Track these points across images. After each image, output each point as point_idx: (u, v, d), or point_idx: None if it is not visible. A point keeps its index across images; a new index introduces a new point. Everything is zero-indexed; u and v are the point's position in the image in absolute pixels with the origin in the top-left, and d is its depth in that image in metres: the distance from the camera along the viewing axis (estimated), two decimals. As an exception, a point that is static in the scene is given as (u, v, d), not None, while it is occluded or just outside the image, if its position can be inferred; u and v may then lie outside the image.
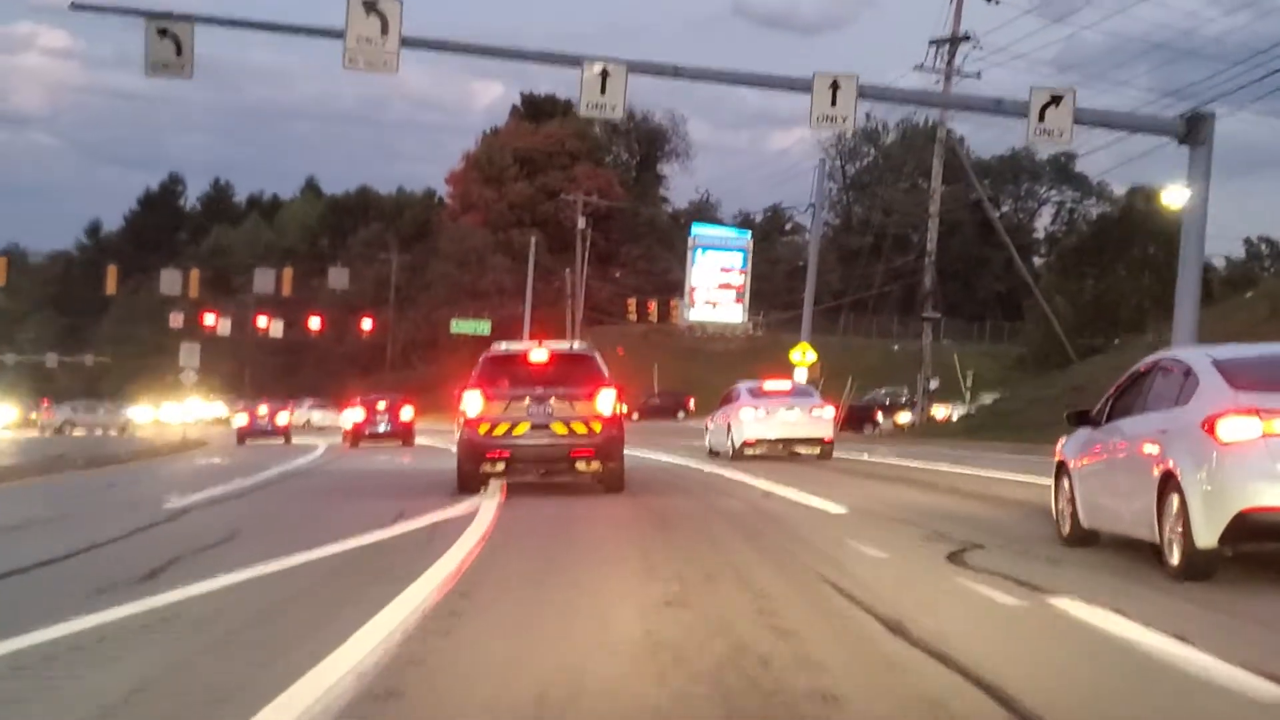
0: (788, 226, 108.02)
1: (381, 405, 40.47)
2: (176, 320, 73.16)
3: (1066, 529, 11.79)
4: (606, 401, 17.72)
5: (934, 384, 46.91)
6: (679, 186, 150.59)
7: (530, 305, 76.55)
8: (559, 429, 17.48)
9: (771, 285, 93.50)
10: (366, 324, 78.89)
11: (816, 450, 28.57)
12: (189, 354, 45.49)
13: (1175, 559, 9.47)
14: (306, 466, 29.54)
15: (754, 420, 28.29)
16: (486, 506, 16.05)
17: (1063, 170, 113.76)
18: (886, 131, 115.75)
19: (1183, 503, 9.28)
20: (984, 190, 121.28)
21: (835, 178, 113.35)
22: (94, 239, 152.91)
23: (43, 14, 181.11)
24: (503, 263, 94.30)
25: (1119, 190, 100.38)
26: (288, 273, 47.67)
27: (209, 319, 72.28)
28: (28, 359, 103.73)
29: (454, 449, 19.28)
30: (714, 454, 29.88)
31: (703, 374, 75.07)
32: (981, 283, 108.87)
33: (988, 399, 50.02)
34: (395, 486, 20.93)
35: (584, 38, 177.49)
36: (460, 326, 79.36)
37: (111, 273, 60.98)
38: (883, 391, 67.18)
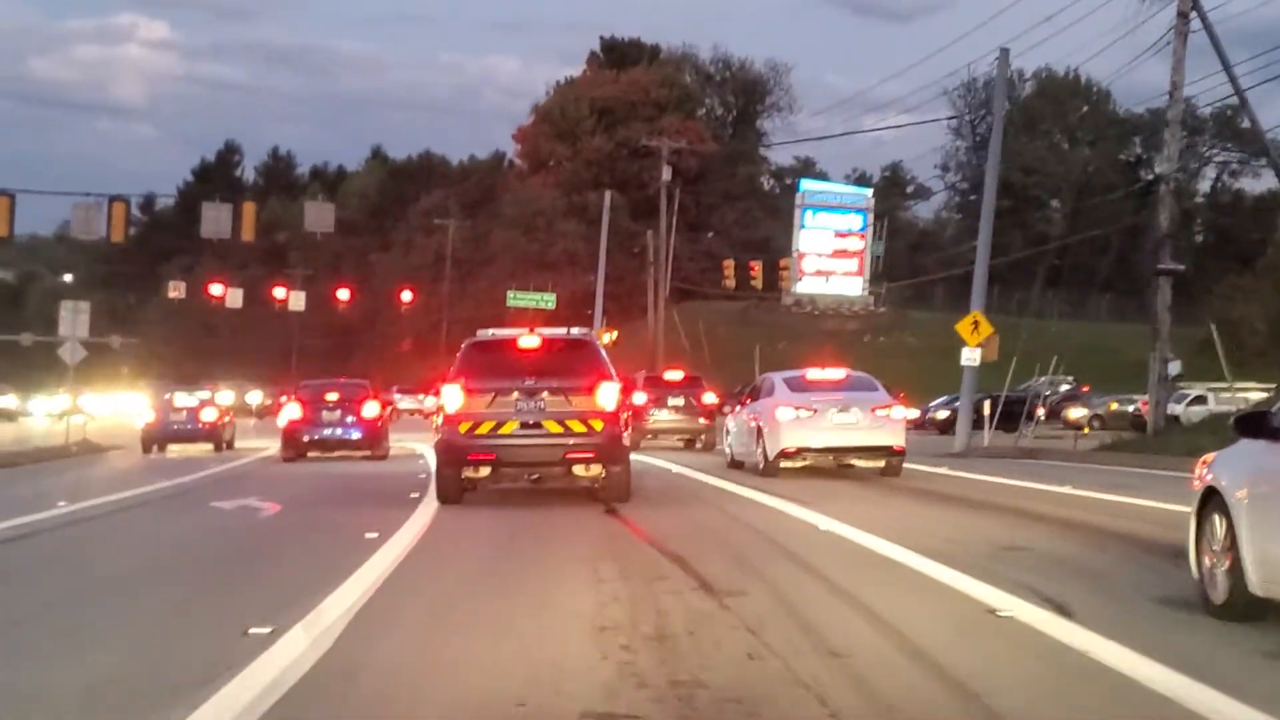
0: (909, 189, 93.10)
1: (332, 397, 27.30)
2: (177, 289, 60.89)
3: (1219, 592, 7.87)
4: (609, 396, 15.85)
5: (1175, 367, 32.08)
6: (780, 146, 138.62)
7: (603, 274, 62.79)
8: (553, 427, 15.64)
9: (890, 258, 79.01)
10: (406, 295, 65.71)
11: (881, 463, 21.67)
12: (73, 319, 32.43)
13: None
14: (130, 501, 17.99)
15: (795, 423, 21.40)
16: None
17: (1228, 124, 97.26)
18: (1023, 81, 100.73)
19: None
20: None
21: (964, 134, 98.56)
22: (149, 214, 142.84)
23: (143, 5, 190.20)
24: (575, 228, 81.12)
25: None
26: (249, 209, 34.01)
27: (215, 289, 59.80)
28: (51, 340, 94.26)
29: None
30: (736, 464, 23.93)
31: (813, 358, 60.21)
32: (1136, 255, 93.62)
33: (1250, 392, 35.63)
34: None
35: (669, 28, 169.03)
36: (519, 299, 66.11)
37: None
38: (1044, 380, 53.79)
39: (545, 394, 15.67)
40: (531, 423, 15.62)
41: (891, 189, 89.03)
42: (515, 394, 15.66)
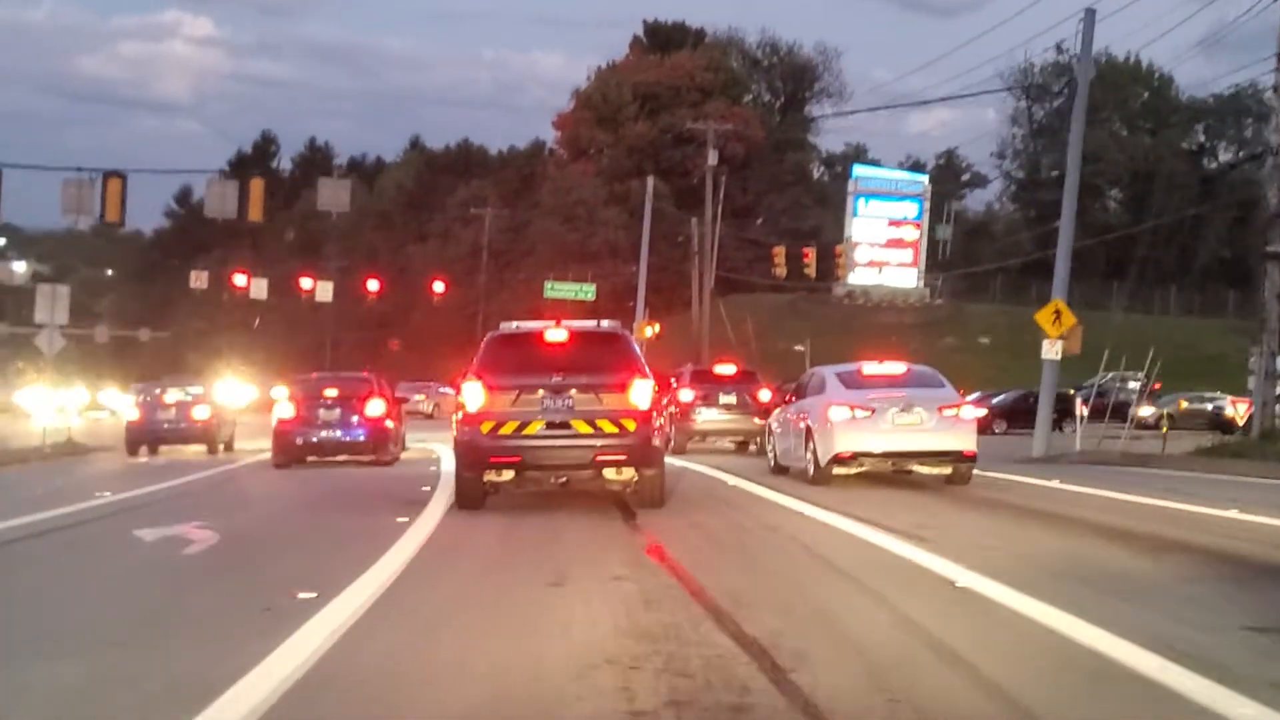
0: (964, 178, 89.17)
1: (331, 394, 23.86)
2: (199, 279, 58.00)
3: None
4: (642, 394, 14.84)
5: (1289, 362, 28.30)
6: (830, 132, 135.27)
7: (645, 264, 59.44)
8: (582, 427, 14.63)
9: (944, 248, 75.24)
10: (438, 286, 62.58)
11: (947, 470, 19.14)
12: (50, 305, 29.35)
13: None
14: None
15: (850, 424, 18.86)
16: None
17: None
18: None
19: None
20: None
21: (1020, 121, 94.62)
22: (184, 205, 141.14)
23: (188, 3, 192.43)
24: (616, 218, 77.83)
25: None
26: (256, 185, 30.79)
27: (239, 279, 56.92)
28: (81, 333, 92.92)
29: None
30: (780, 469, 21.44)
31: (865, 353, 56.52)
32: (1203, 246, 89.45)
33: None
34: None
35: (715, 13, 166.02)
36: (557, 290, 62.83)
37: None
38: (1110, 376, 50.22)
39: (574, 391, 14.73)
40: (559, 422, 14.68)
41: (946, 177, 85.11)
42: (541, 391, 14.73)
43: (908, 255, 71.94)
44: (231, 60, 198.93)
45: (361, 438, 23.23)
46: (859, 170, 74.12)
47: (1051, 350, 31.18)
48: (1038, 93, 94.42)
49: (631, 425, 14.69)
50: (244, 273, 58.30)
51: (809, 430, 19.27)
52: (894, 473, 19.35)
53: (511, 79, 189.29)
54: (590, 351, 15.29)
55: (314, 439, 23.24)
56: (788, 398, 22.25)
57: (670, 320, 64.96)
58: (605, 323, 16.61)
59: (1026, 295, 79.18)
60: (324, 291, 58.72)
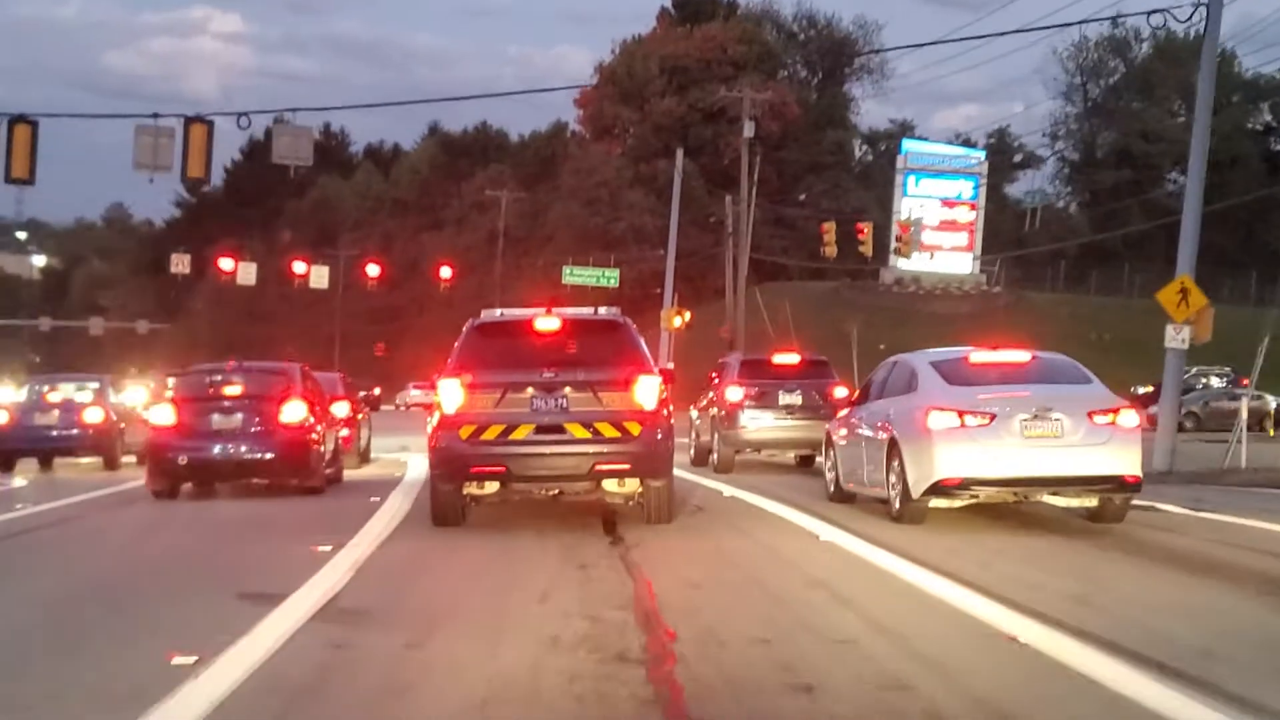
0: (1017, 158, 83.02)
1: (231, 392, 17.28)
2: (180, 262, 52.55)
3: None
4: (648, 392, 12.93)
5: None
6: (870, 112, 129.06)
7: (674, 246, 53.72)
8: (578, 431, 12.83)
9: (997, 236, 69.26)
10: (445, 272, 57.12)
11: (1092, 501, 13.30)
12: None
13: None
14: None
15: (959, 435, 12.82)
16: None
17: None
18: (1139, 41, 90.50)
19: None
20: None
21: (1074, 99, 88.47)
22: (197, 196, 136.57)
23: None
24: (642, 201, 72.20)
25: None
26: (198, 131, 24.86)
27: (225, 263, 51.49)
28: (77, 325, 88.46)
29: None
30: (843, 496, 15.64)
31: (913, 345, 50.62)
32: (1272, 232, 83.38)
33: None
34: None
35: None
36: (576, 276, 57.21)
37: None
38: (1193, 370, 45.03)
39: (568, 389, 13.07)
40: (551, 425, 12.98)
41: (997, 157, 79.10)
42: (530, 390, 13.08)
43: (962, 238, 65.94)
44: (259, 56, 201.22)
45: (271, 454, 16.77)
46: (909, 145, 68.15)
47: (1177, 337, 25.35)
48: (1089, 70, 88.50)
49: (636, 429, 12.84)
50: (231, 256, 52.82)
51: (893, 444, 13.59)
52: (1014, 504, 13.65)
53: (536, 75, 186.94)
54: (587, 343, 13.53)
55: (203, 455, 16.71)
56: (856, 396, 16.36)
57: (700, 311, 59.42)
58: (604, 309, 14.50)
59: (1085, 285, 73.54)
60: (319, 277, 53.16)
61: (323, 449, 17.32)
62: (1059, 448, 12.81)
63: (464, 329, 13.87)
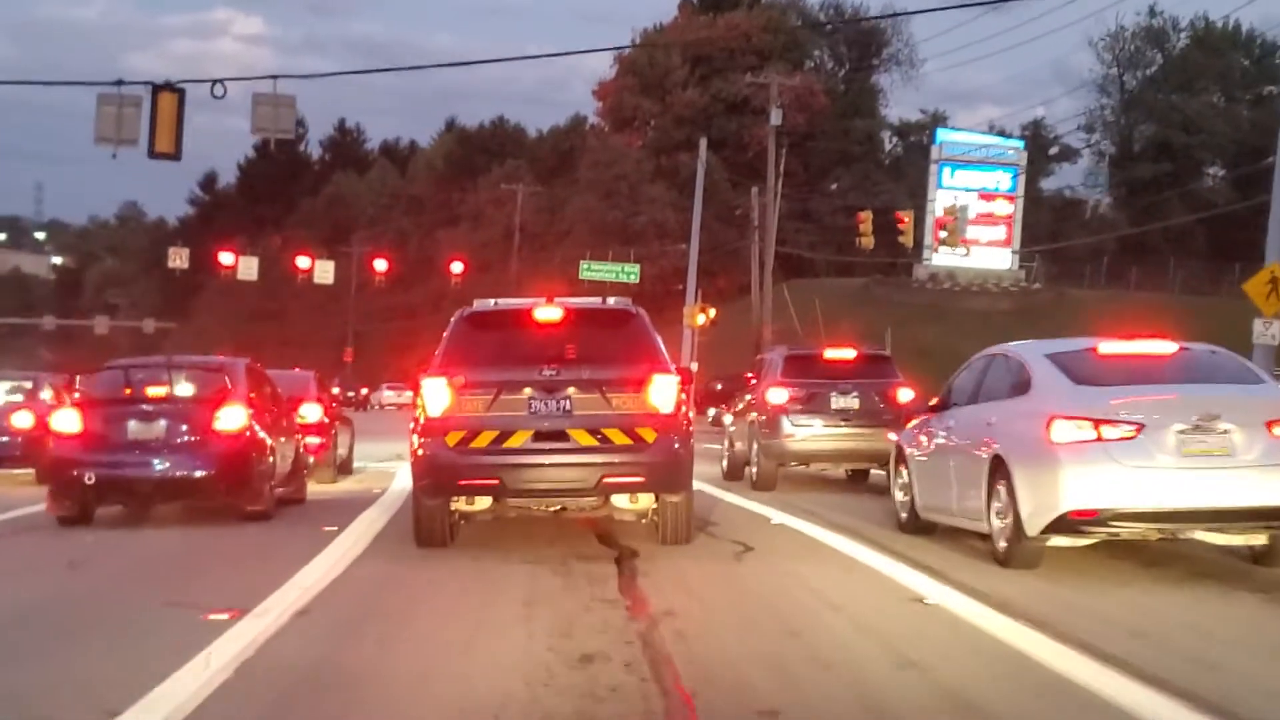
0: (1053, 151, 79.99)
1: (154, 393, 13.74)
2: (178, 256, 50.06)
3: None
4: (665, 392, 11.37)
5: None
6: (900, 103, 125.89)
7: (697, 239, 51.09)
8: (584, 438, 11.36)
9: (1029, 230, 66.32)
10: (456, 267, 54.53)
11: (1260, 539, 10.08)
12: None
13: None
14: None
15: (1094, 452, 9.69)
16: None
17: None
18: (1177, 32, 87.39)
19: None
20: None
21: (1109, 91, 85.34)
22: (209, 191, 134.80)
23: (238, 1, 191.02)
24: (663, 194, 69.44)
25: None
26: (166, 101, 22.16)
27: (225, 258, 49.01)
28: (81, 324, 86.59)
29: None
30: (919, 526, 12.52)
31: (952, 344, 47.84)
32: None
33: None
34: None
35: None
36: (593, 271, 54.53)
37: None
38: None
39: (572, 390, 11.35)
40: (552, 432, 11.30)
41: (1034, 150, 76.17)
42: (528, 391, 11.37)
43: (1000, 232, 62.92)
44: (279, 58, 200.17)
45: (201, 471, 13.52)
46: (944, 135, 65.18)
47: (1267, 332, 22.55)
48: (1126, 60, 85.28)
49: (650, 435, 11.42)
50: (230, 250, 50.28)
51: (998, 463, 10.54)
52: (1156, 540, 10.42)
53: (554, 75, 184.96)
54: (594, 337, 12.01)
55: (116, 472, 13.46)
56: (930, 405, 13.26)
57: (724, 308, 56.77)
58: (613, 299, 13.25)
59: (1125, 281, 70.60)
60: (323, 272, 50.58)
61: (272, 461, 14.11)
62: (1228, 469, 9.71)
63: (452, 320, 12.27)
